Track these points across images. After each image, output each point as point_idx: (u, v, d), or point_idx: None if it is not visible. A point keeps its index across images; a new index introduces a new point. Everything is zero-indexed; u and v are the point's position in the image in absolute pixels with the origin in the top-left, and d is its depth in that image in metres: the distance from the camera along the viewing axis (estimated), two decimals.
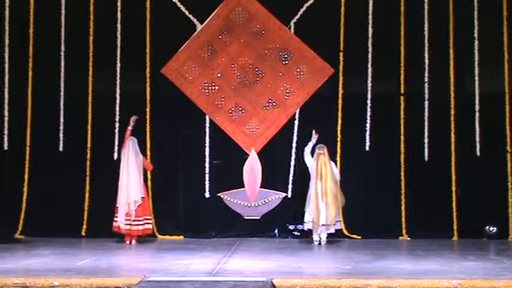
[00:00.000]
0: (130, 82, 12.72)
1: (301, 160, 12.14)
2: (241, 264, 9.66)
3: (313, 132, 11.93)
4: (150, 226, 11.96)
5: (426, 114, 12.52)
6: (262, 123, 12.66)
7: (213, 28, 12.73)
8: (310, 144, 11.91)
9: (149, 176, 12.38)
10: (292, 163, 12.51)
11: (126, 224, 11.58)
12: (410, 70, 12.57)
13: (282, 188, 12.53)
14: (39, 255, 10.33)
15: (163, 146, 12.60)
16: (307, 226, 11.76)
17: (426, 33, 12.54)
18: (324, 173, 11.62)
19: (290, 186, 12.51)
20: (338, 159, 12.34)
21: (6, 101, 12.69)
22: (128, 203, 11.60)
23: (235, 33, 12.73)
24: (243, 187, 12.49)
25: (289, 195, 12.48)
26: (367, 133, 12.47)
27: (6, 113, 12.67)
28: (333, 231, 11.73)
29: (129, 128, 11.84)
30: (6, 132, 12.67)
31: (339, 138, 12.45)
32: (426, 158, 12.47)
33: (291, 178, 12.51)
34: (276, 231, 12.58)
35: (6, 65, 12.71)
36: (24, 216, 12.53)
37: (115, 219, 11.69)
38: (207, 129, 12.67)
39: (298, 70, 12.67)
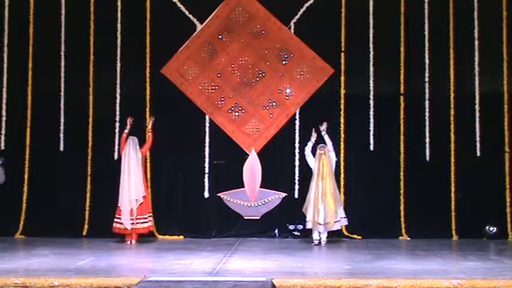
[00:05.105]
0: (130, 82, 12.73)
1: (303, 160, 12.14)
2: (241, 264, 9.66)
3: (313, 131, 11.92)
4: (152, 223, 12.03)
5: (426, 114, 12.52)
6: (262, 123, 12.67)
7: (213, 28, 12.73)
8: (310, 144, 11.91)
9: (149, 176, 12.38)
10: (297, 163, 12.50)
11: (131, 223, 11.59)
12: (410, 70, 12.57)
13: (283, 188, 12.53)
14: (39, 255, 10.32)
15: (164, 146, 12.59)
16: (307, 225, 11.76)
17: (426, 33, 12.55)
18: (324, 173, 11.62)
19: (297, 186, 12.49)
20: (342, 158, 12.35)
21: (4, 101, 12.70)
22: (130, 201, 11.62)
23: (235, 33, 12.74)
24: (243, 187, 12.49)
25: (296, 196, 12.46)
26: (371, 133, 12.47)
27: (4, 113, 12.68)
28: (339, 227, 11.73)
29: (126, 131, 11.85)
30: (3, 132, 12.68)
31: (341, 138, 12.45)
32: (426, 158, 12.47)
33: (297, 179, 12.50)
34: (276, 231, 12.59)
35: (5, 65, 12.71)
36: (24, 216, 12.54)
37: (116, 219, 11.69)
38: (207, 129, 12.67)
39: (298, 70, 12.68)
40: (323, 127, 11.84)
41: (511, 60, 12.52)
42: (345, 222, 11.86)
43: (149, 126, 11.98)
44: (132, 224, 11.64)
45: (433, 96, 12.57)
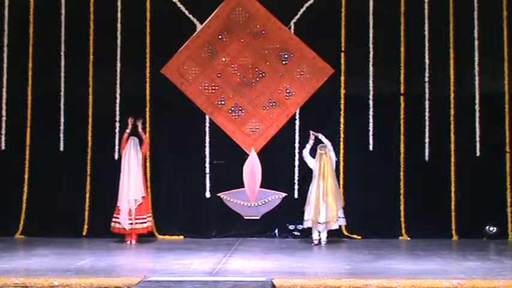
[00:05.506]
0: (130, 82, 12.72)
1: (303, 161, 12.13)
2: (241, 264, 9.67)
3: (311, 134, 11.92)
4: (151, 224, 12.04)
5: (426, 114, 12.53)
6: (262, 123, 12.67)
7: (213, 28, 12.73)
8: (308, 147, 11.93)
9: (149, 176, 12.38)
10: (296, 163, 12.50)
11: (129, 224, 11.60)
12: (410, 70, 12.57)
13: (283, 188, 12.53)
14: (39, 255, 10.33)
15: (163, 146, 12.60)
16: (306, 224, 11.77)
17: (426, 33, 12.55)
18: (326, 173, 11.62)
19: (296, 186, 12.50)
20: (341, 158, 12.36)
21: (4, 101, 12.70)
22: (129, 201, 11.62)
23: (235, 33, 12.74)
24: (243, 187, 12.49)
25: (296, 196, 12.47)
26: (371, 133, 12.48)
27: (4, 113, 12.68)
28: (337, 227, 11.73)
29: (127, 131, 11.86)
30: (3, 132, 12.68)
31: (341, 138, 12.45)
32: (426, 158, 12.48)
33: (296, 179, 12.50)
34: (276, 231, 12.58)
35: (5, 65, 12.71)
36: (24, 216, 12.53)
37: (114, 219, 11.70)
38: (207, 129, 12.67)
39: (298, 70, 12.68)
40: (316, 134, 11.86)
41: (511, 60, 12.51)
42: (343, 222, 11.86)
43: (139, 130, 11.95)
44: (131, 224, 11.64)
45: (433, 96, 12.57)
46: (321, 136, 11.87)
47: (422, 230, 12.28)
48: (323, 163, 11.66)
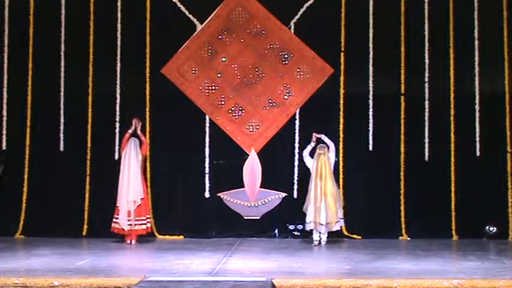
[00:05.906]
0: (130, 82, 12.72)
1: (303, 160, 12.13)
2: (241, 264, 9.67)
3: (313, 136, 11.90)
4: (150, 225, 12.03)
5: (426, 114, 12.53)
6: (262, 123, 12.67)
7: (213, 28, 12.73)
8: (309, 148, 11.91)
9: (149, 176, 12.39)
10: (296, 163, 12.50)
11: (128, 225, 11.59)
12: (410, 70, 12.58)
13: (283, 188, 12.53)
14: (39, 255, 10.33)
15: (163, 146, 12.60)
16: (308, 227, 11.75)
17: (426, 33, 12.55)
18: (323, 173, 11.61)
19: (296, 186, 12.50)
20: (341, 158, 12.36)
21: (4, 101, 12.70)
22: (128, 202, 11.62)
23: (235, 33, 12.74)
24: (243, 187, 12.49)
25: (295, 196, 12.47)
26: (371, 133, 12.48)
27: (4, 113, 12.68)
28: (338, 228, 11.73)
29: (130, 131, 11.85)
30: (4, 132, 12.68)
31: (341, 138, 12.45)
32: (426, 158, 12.48)
33: (296, 179, 12.50)
34: (276, 231, 12.59)
35: (6, 65, 12.71)
36: (24, 216, 12.53)
37: (114, 219, 11.70)
38: (207, 129, 12.67)
39: (298, 70, 12.68)
40: (319, 135, 11.84)
41: (511, 60, 12.52)
42: (342, 223, 11.85)
43: (138, 132, 11.92)
44: (130, 225, 11.63)
45: (433, 96, 12.57)
46: (323, 137, 11.86)
47: (422, 230, 12.28)
48: (320, 163, 11.65)
